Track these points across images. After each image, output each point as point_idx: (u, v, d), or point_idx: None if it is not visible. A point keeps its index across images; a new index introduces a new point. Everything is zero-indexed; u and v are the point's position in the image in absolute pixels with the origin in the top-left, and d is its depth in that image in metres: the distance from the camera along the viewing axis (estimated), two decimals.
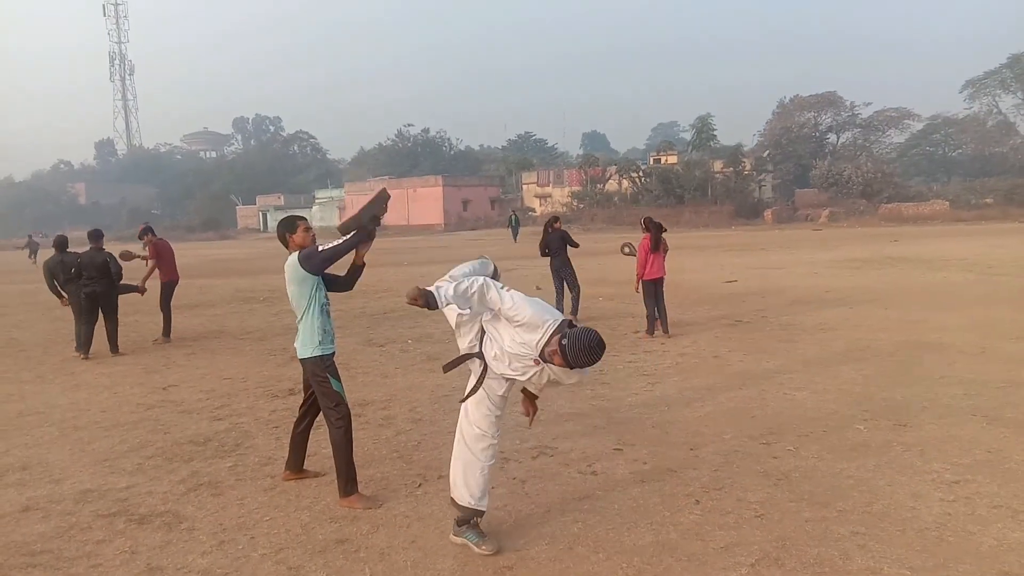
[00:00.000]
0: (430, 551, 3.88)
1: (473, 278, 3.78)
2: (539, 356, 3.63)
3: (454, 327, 4.01)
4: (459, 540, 3.95)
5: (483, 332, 3.88)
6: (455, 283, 3.75)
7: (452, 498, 3.96)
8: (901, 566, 3.53)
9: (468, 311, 3.82)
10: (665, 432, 5.76)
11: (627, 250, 10.62)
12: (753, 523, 4.08)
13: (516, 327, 3.68)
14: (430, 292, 3.70)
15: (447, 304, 3.73)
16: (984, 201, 46.35)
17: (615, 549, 3.83)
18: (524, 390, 4.06)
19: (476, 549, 3.85)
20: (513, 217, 39.42)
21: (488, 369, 3.87)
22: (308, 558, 3.84)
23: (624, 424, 5.98)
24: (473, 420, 3.92)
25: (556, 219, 12.13)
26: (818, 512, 4.18)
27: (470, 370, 3.99)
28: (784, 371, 7.60)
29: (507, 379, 3.90)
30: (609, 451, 5.35)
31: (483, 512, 3.93)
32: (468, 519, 3.92)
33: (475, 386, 3.91)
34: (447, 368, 4.05)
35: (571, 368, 3.54)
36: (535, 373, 3.75)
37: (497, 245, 34.05)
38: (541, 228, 12.46)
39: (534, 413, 4.20)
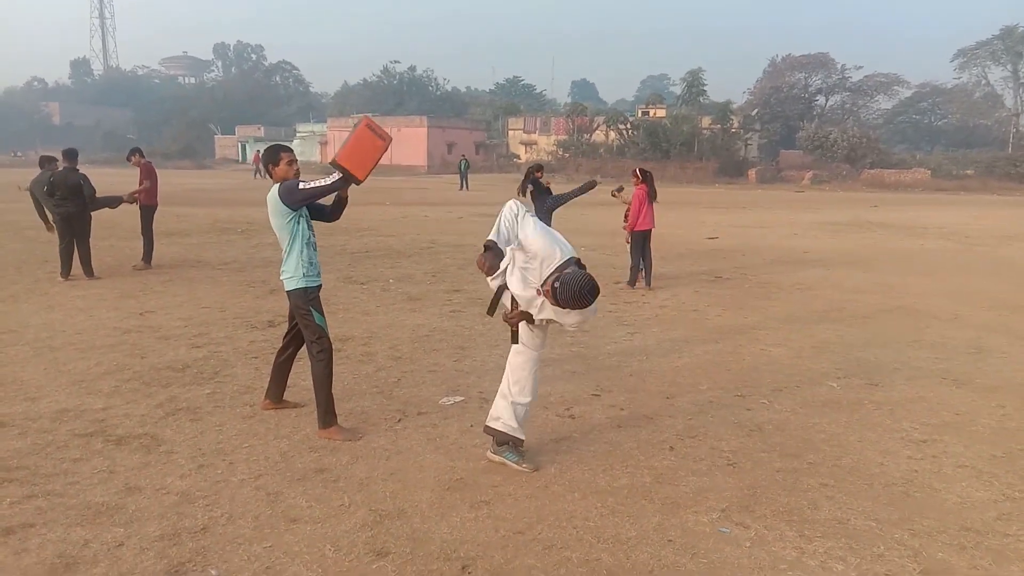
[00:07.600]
0: (409, 483, 3.92)
1: (510, 210, 3.90)
2: (539, 288, 3.62)
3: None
4: (497, 459, 4.15)
5: (512, 263, 3.91)
6: (498, 227, 3.91)
7: (489, 425, 4.14)
8: (867, 518, 3.64)
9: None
10: (642, 380, 5.83)
11: (618, 193, 10.34)
12: (725, 471, 4.17)
13: (528, 257, 3.67)
14: (494, 254, 3.87)
15: (506, 245, 3.91)
16: (965, 172, 46.70)
17: (590, 489, 3.90)
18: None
19: (515, 467, 4.08)
20: (463, 162, 37.32)
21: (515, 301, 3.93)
22: (287, 485, 3.87)
23: (602, 371, 6.04)
24: (513, 362, 4.09)
25: (540, 167, 11.89)
26: (789, 463, 4.28)
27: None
28: (761, 327, 7.70)
29: (538, 322, 3.97)
30: (587, 396, 5.42)
31: (522, 440, 4.13)
32: (507, 440, 4.11)
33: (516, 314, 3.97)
34: (491, 311, 4.12)
35: (562, 308, 3.54)
36: (538, 306, 3.75)
37: (481, 190, 33.74)
38: (520, 176, 12.07)
39: (515, 319, 3.99)
